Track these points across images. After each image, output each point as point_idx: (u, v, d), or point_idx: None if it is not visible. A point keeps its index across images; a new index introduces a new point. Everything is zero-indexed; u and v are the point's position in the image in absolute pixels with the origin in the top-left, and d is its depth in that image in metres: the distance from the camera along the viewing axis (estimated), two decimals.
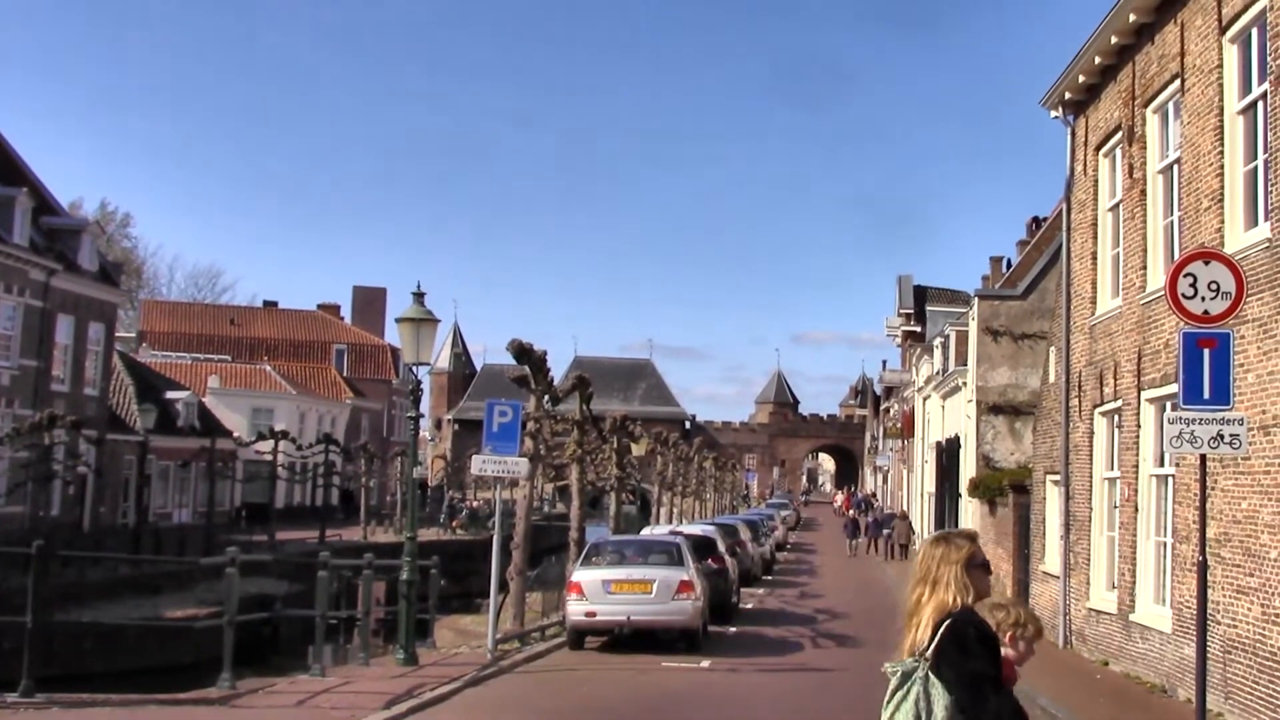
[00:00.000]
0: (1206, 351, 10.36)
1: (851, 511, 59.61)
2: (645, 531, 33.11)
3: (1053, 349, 21.85)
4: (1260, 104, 12.73)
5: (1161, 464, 15.40)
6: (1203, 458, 10.65)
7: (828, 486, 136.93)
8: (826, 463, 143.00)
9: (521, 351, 21.67)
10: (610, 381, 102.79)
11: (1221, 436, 10.27)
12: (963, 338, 34.65)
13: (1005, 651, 5.17)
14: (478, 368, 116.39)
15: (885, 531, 49.86)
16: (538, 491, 30.42)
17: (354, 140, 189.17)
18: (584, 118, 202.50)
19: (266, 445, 50.02)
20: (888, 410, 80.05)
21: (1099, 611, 17.72)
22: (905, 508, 53.67)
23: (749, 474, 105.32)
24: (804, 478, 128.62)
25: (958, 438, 34.19)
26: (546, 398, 22.77)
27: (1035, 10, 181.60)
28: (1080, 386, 19.09)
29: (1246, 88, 13.17)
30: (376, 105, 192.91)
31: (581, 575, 19.56)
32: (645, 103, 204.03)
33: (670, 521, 45.19)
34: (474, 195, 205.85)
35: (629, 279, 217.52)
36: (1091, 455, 18.45)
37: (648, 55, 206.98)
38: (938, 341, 41.34)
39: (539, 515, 44.55)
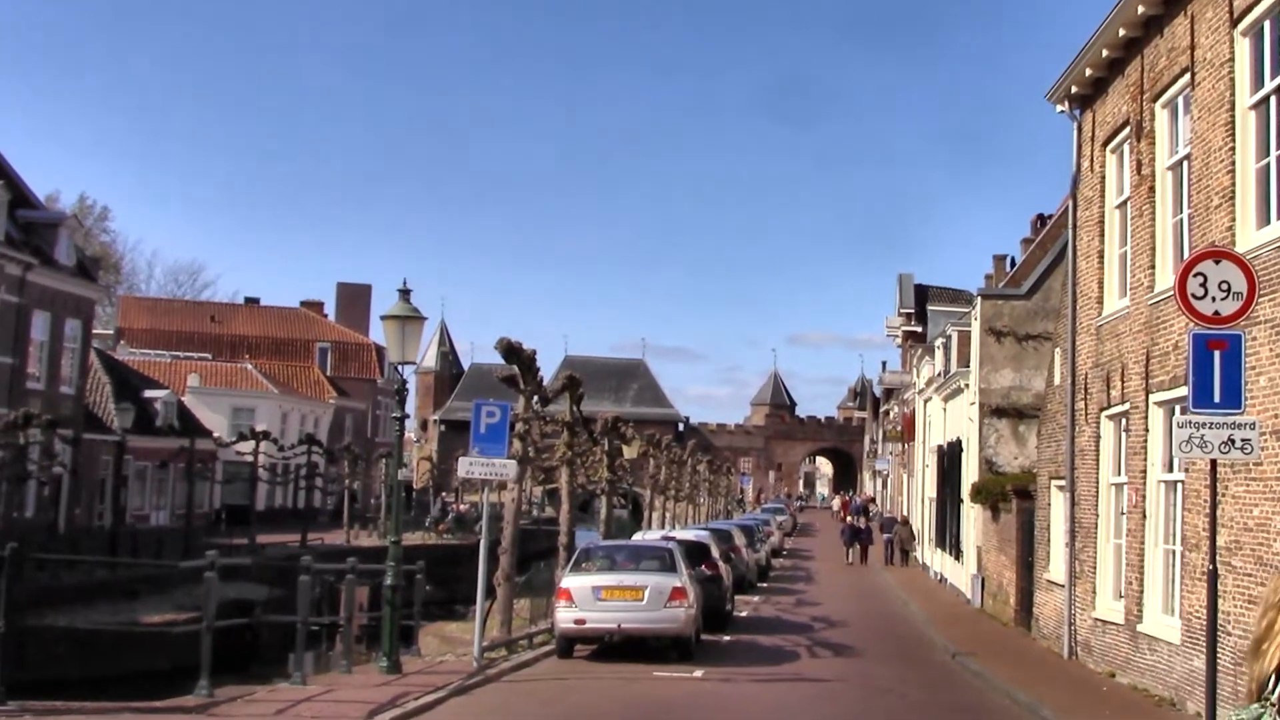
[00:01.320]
0: (1217, 354, 10.46)
1: (850, 518, 59.19)
2: (637, 536, 32.70)
3: (1058, 350, 21.55)
4: (1273, 98, 12.56)
5: (1170, 469, 15.24)
6: (1213, 463, 10.57)
7: (825, 491, 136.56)
8: (824, 466, 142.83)
9: (510, 350, 21.35)
10: (601, 382, 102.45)
11: (1232, 441, 10.26)
12: (965, 338, 34.25)
13: None
14: (465, 367, 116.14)
15: (886, 536, 49.58)
16: (526, 495, 30.06)
17: (340, 134, 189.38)
18: (573, 115, 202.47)
19: (247, 446, 49.72)
20: (887, 413, 79.71)
21: (1105, 622, 17.47)
22: (905, 513, 53.32)
23: (744, 478, 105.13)
24: (800, 482, 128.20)
25: (959, 441, 33.82)
26: (536, 398, 22.44)
27: (1043, 3, 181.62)
28: (1086, 389, 18.88)
29: (1259, 82, 12.96)
30: (363, 100, 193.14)
31: (571, 581, 19.24)
32: (639, 100, 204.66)
33: (663, 526, 44.80)
34: (462, 190, 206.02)
35: (621, 277, 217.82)
36: (1098, 460, 18.26)
37: (645, 57, 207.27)
38: (939, 342, 40.95)
39: (527, 519, 44.28)
